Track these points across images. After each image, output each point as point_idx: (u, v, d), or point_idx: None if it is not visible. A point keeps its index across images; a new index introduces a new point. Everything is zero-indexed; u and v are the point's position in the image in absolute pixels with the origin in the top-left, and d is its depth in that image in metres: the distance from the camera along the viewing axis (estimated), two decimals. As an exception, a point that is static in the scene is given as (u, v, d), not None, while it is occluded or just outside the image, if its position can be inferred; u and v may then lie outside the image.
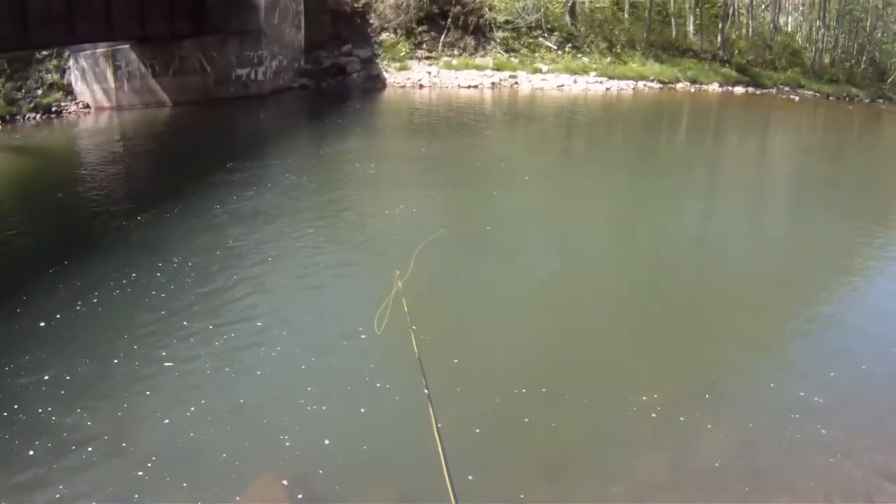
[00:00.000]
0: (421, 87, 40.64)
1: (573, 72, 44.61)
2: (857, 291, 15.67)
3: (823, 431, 9.71)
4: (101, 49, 29.70)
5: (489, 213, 18.27)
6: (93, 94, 30.27)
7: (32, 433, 8.81)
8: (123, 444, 8.74)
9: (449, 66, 42.53)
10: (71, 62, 30.18)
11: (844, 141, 38.86)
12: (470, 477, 8.42)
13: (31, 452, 8.51)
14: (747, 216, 21.33)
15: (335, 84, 39.30)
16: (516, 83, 42.71)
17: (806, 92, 52.52)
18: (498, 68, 43.40)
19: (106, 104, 30.24)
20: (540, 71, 44.09)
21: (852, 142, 38.90)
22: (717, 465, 8.99)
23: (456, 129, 30.39)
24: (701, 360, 11.69)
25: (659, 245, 17.49)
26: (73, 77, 30.31)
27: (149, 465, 8.35)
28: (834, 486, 8.80)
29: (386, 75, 40.85)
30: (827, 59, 59.35)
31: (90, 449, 8.61)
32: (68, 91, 30.19)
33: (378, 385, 10.22)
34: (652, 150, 30.00)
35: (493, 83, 42.07)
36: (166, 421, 9.19)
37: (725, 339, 12.68)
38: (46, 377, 9.93)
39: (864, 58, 61.95)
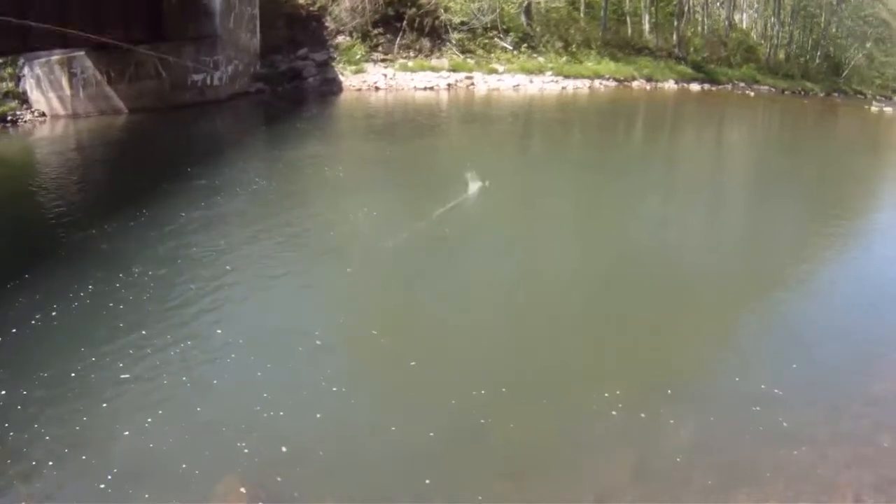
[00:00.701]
0: (377, 89, 40.62)
1: (529, 72, 44.86)
2: (814, 283, 15.98)
3: (785, 424, 9.89)
4: (56, 56, 29.47)
5: (447, 216, 18.34)
6: (48, 102, 30.00)
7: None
8: (84, 457, 8.75)
9: (405, 69, 42.52)
10: (26, 70, 29.88)
11: (800, 135, 39.42)
12: (427, 481, 8.56)
13: (-10, 469, 8.51)
14: (705, 212, 21.64)
15: (291, 88, 39.19)
16: (472, 84, 42.90)
17: (761, 87, 53.17)
18: (454, 69, 43.49)
19: (62, 112, 29.99)
20: (496, 71, 44.30)
21: (807, 136, 39.42)
22: (679, 460, 9.16)
23: (413, 132, 30.52)
24: (661, 357, 11.88)
25: (617, 243, 17.73)
26: (29, 85, 30.02)
27: (110, 477, 8.39)
28: (797, 476, 9.01)
29: (342, 79, 40.73)
30: (782, 55, 60.06)
31: (50, 463, 8.62)
32: (23, 99, 29.89)
33: (334, 390, 10.32)
34: (609, 149, 30.29)
35: (448, 84, 42.20)
36: (126, 433, 9.22)
37: (686, 334, 12.94)
38: (3, 392, 9.90)
39: (818, 53, 62.78)
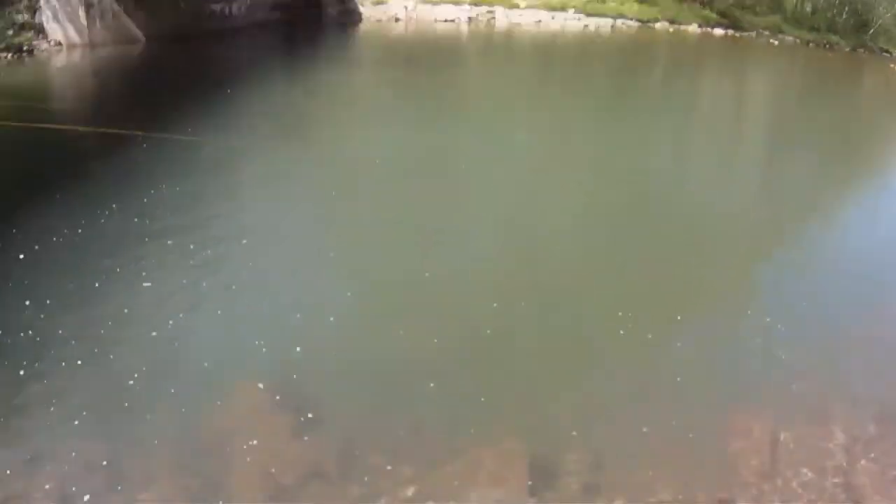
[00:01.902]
0: (397, 20, 40.41)
1: (551, 8, 44.23)
2: (829, 226, 16.13)
3: (783, 356, 10.12)
4: (73, -14, 29.18)
5: (466, 151, 18.37)
6: (65, 32, 29.56)
7: (20, 354, 8.99)
8: (111, 357, 9.08)
9: (426, 1, 41.95)
10: (42, 1, 29.63)
11: (823, 87, 38.97)
12: (431, 384, 8.94)
13: (22, 373, 8.63)
14: (723, 158, 21.52)
15: (311, 18, 38.64)
16: (493, 18, 42.38)
17: (786, 37, 52.51)
18: (475, 3, 42.71)
19: (78, 42, 29.54)
20: (518, 6, 43.67)
21: (830, 89, 38.94)
22: (679, 379, 9.44)
23: (437, 63, 30.61)
24: (674, 287, 12.13)
25: (631, 186, 17.51)
26: (45, 16, 29.57)
27: (136, 374, 8.74)
28: (789, 404, 9.29)
29: (362, 9, 40.33)
30: (809, 7, 59.32)
31: (78, 362, 8.89)
32: (40, 30, 29.56)
33: (348, 294, 10.81)
34: (630, 90, 29.99)
35: (469, 18, 41.74)
36: (153, 333, 9.58)
37: (698, 268, 13.04)
38: (28, 301, 10.07)
39: (846, 9, 62.01)
